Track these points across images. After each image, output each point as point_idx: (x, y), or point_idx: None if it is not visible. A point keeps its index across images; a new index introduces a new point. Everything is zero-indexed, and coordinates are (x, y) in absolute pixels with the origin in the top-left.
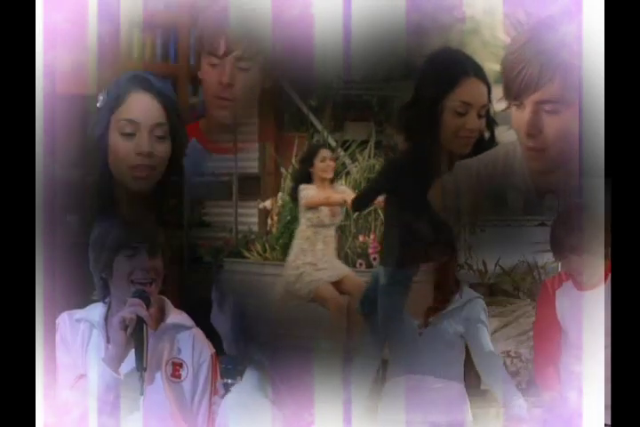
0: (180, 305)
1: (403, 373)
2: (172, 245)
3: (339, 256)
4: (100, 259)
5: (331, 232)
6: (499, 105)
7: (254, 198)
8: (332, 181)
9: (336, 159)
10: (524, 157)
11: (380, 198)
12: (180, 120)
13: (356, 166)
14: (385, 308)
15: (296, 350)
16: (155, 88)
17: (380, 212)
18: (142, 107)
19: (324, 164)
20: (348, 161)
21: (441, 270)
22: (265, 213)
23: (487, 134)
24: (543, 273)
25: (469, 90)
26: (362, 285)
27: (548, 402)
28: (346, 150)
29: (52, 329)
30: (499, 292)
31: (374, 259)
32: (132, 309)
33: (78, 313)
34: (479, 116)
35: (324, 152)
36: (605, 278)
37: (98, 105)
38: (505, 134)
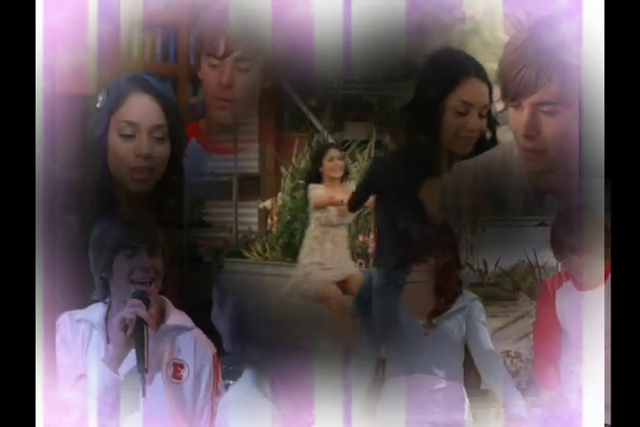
0: (180, 305)
1: (403, 373)
2: (172, 245)
3: (352, 257)
4: (100, 259)
5: (340, 232)
6: (500, 105)
7: (254, 198)
8: (342, 180)
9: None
10: (521, 158)
11: (372, 199)
12: (179, 121)
13: (355, 166)
14: (379, 308)
15: (296, 350)
16: (154, 89)
17: None
18: (142, 108)
19: (332, 163)
20: (348, 161)
21: (443, 271)
22: (265, 213)
23: (488, 134)
24: (543, 273)
25: (470, 90)
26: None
27: (547, 402)
28: (346, 150)
29: (52, 329)
30: (499, 292)
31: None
32: (132, 309)
33: (78, 313)
34: (480, 117)
35: (333, 151)
36: (605, 278)
37: (98, 105)
38: (506, 134)
